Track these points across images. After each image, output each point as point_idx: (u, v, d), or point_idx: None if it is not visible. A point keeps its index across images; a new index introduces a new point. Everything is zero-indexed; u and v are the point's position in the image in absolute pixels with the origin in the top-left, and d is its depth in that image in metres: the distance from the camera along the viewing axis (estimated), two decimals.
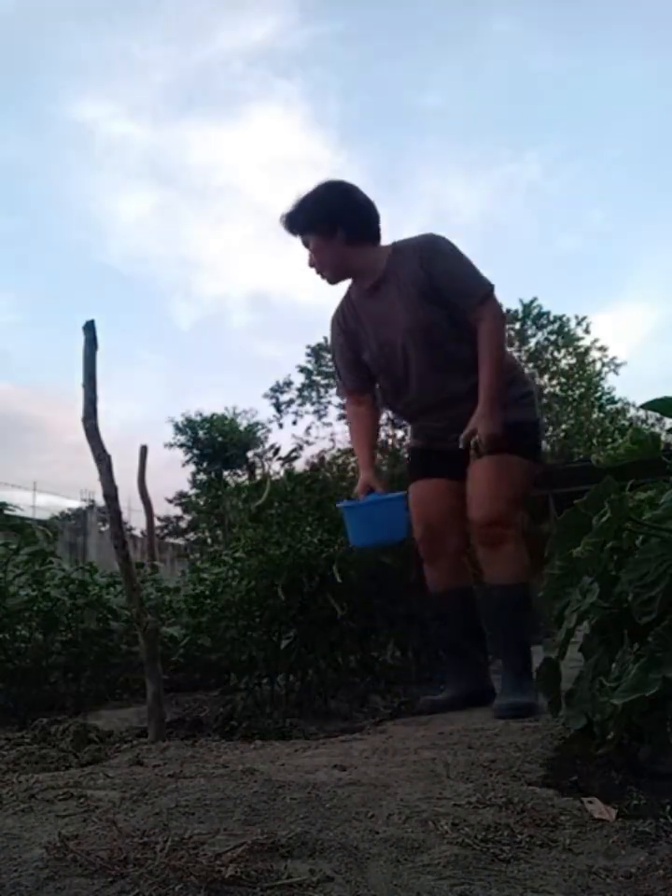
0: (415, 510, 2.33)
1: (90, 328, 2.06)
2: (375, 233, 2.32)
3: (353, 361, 2.39)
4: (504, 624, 2.20)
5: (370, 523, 2.21)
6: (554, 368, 21.28)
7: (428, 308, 2.20)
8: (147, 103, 36.95)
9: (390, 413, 2.59)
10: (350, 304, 2.38)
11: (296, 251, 2.37)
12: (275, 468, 4.04)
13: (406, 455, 2.53)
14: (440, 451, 2.34)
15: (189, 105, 37.01)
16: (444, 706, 2.18)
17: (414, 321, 2.22)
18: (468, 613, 2.31)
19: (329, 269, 2.33)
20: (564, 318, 21.25)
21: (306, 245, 2.32)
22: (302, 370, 22.78)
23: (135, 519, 15.41)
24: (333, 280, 2.37)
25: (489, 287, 2.19)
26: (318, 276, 2.36)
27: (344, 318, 2.40)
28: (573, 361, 21.47)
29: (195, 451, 23.51)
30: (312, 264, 2.34)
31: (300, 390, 22.96)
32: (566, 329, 21.26)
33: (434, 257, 2.20)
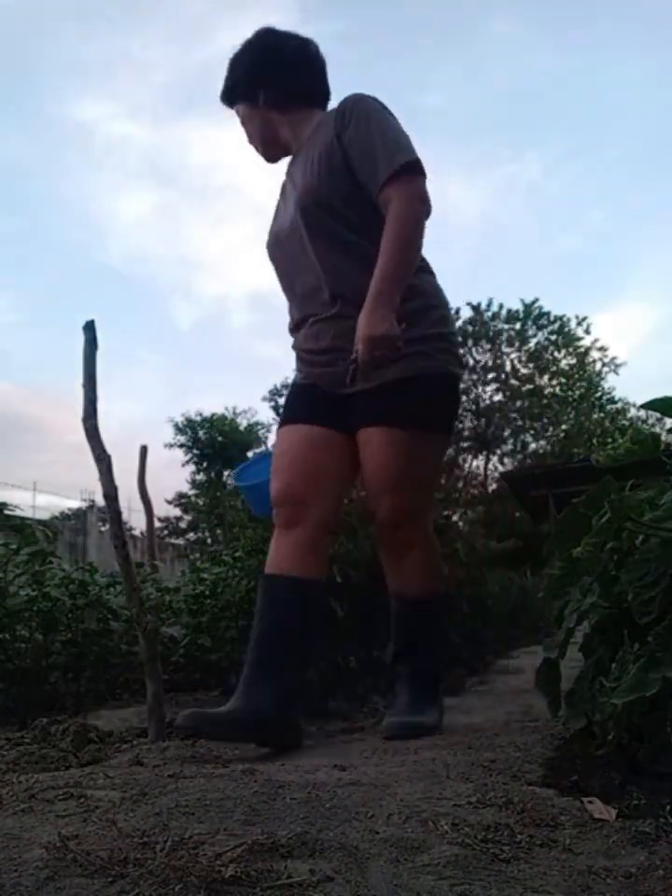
0: (276, 463, 1.80)
1: (90, 327, 2.06)
2: (308, 96, 1.85)
3: None
4: (408, 640, 1.86)
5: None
6: (554, 368, 21.27)
7: (332, 181, 1.70)
8: (147, 103, 37.00)
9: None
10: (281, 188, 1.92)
11: None
12: None
13: (289, 390, 1.98)
14: (322, 390, 1.79)
15: (188, 105, 37.08)
16: (212, 723, 1.58)
17: (309, 193, 1.73)
18: (300, 616, 1.69)
19: (257, 142, 1.90)
20: (564, 318, 21.26)
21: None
22: None
23: (135, 519, 15.44)
24: (267, 156, 1.92)
25: (404, 162, 1.63)
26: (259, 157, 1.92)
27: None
28: (573, 361, 21.48)
29: (195, 451, 23.52)
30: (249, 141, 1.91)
31: None
32: (566, 330, 21.27)
33: (351, 120, 1.70)
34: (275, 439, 1.87)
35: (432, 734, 1.66)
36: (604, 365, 21.66)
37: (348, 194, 1.70)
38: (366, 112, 1.70)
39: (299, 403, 1.85)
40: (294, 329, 1.85)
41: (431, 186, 1.67)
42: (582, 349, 21.51)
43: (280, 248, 1.83)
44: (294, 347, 1.87)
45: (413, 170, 1.64)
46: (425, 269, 1.79)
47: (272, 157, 1.91)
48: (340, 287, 1.71)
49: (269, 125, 1.85)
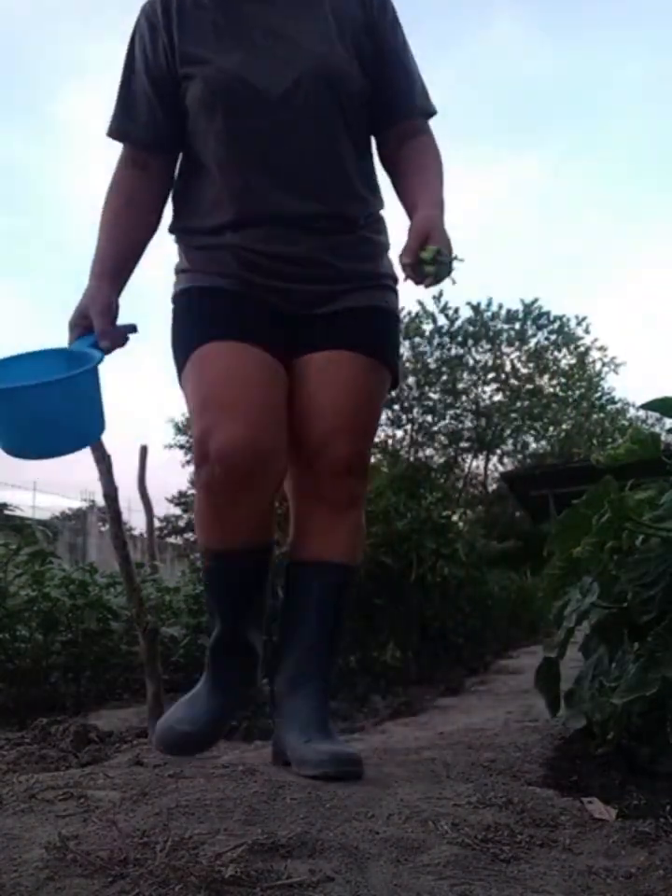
0: (218, 395, 1.33)
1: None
2: None
3: (159, 95, 1.42)
4: (322, 620, 1.41)
5: (44, 409, 1.18)
6: (554, 368, 21.27)
7: (354, 68, 1.42)
8: None
9: (193, 223, 1.49)
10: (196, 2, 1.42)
11: None
12: None
13: (185, 299, 1.47)
14: (271, 306, 1.42)
15: None
16: (195, 740, 1.42)
17: (329, 69, 1.40)
18: (264, 586, 1.46)
19: None
20: (564, 318, 21.25)
21: None
22: None
23: (135, 519, 15.43)
24: None
25: (434, 112, 1.52)
26: None
27: (171, 18, 1.41)
28: (573, 361, 21.45)
29: None
30: None
31: None
32: (566, 330, 21.25)
33: (389, 22, 1.48)
34: (203, 362, 1.37)
35: (361, 770, 1.23)
36: (604, 365, 21.66)
37: (360, 93, 1.44)
38: (399, 24, 1.50)
39: (242, 317, 1.39)
40: (239, 222, 1.40)
41: None
42: (582, 349, 21.51)
43: (265, 112, 1.37)
44: (229, 244, 1.41)
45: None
46: None
47: None
48: (328, 191, 1.42)
49: None
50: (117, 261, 1.42)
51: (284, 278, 1.42)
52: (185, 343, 1.43)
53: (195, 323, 1.43)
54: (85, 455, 1.96)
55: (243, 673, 1.46)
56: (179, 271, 1.51)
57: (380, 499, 3.25)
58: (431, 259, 1.28)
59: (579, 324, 21.45)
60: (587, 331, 21.57)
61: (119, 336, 1.34)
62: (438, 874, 0.81)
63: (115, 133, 1.47)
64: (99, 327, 1.32)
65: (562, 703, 1.41)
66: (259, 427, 1.32)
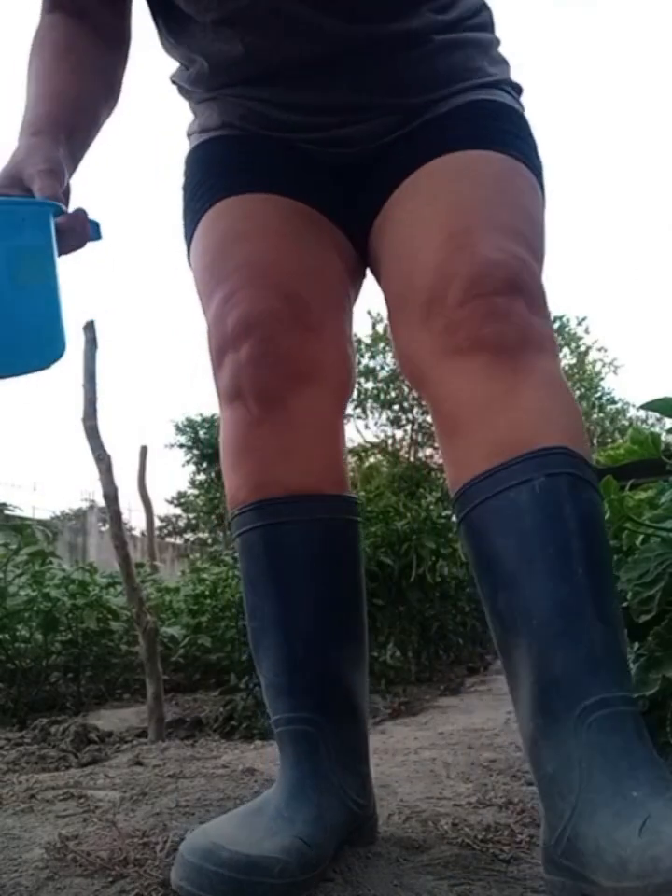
0: (232, 257, 0.92)
1: (90, 327, 2.08)
2: None
3: None
4: (565, 555, 0.72)
5: None
6: None
7: None
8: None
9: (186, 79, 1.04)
10: None
11: None
12: None
13: (187, 165, 1.08)
14: (307, 153, 0.99)
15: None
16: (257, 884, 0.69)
17: None
18: (349, 580, 0.90)
19: None
20: (564, 318, 21.25)
21: None
22: None
23: (135, 519, 15.45)
24: None
25: None
26: None
27: None
28: (573, 361, 21.46)
29: (195, 451, 23.55)
30: None
31: None
32: (566, 330, 21.26)
33: None
34: (205, 225, 0.98)
35: None
36: (604, 365, 21.67)
37: None
38: None
39: (267, 164, 0.99)
40: (260, 65, 0.95)
41: None
42: (582, 349, 21.51)
43: None
44: (239, 95, 1.00)
45: None
46: None
47: None
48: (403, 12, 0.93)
49: None
50: (58, 119, 0.88)
51: (320, 128, 0.99)
52: (191, 217, 1.01)
53: (199, 186, 1.02)
54: (84, 456, 1.97)
55: (339, 754, 0.84)
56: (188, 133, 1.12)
57: (380, 499, 3.26)
58: None
59: (579, 324, 21.47)
60: (587, 332, 21.60)
61: (79, 222, 0.79)
62: (437, 874, 0.81)
63: None
64: (44, 190, 0.78)
65: None
66: (302, 290, 0.90)
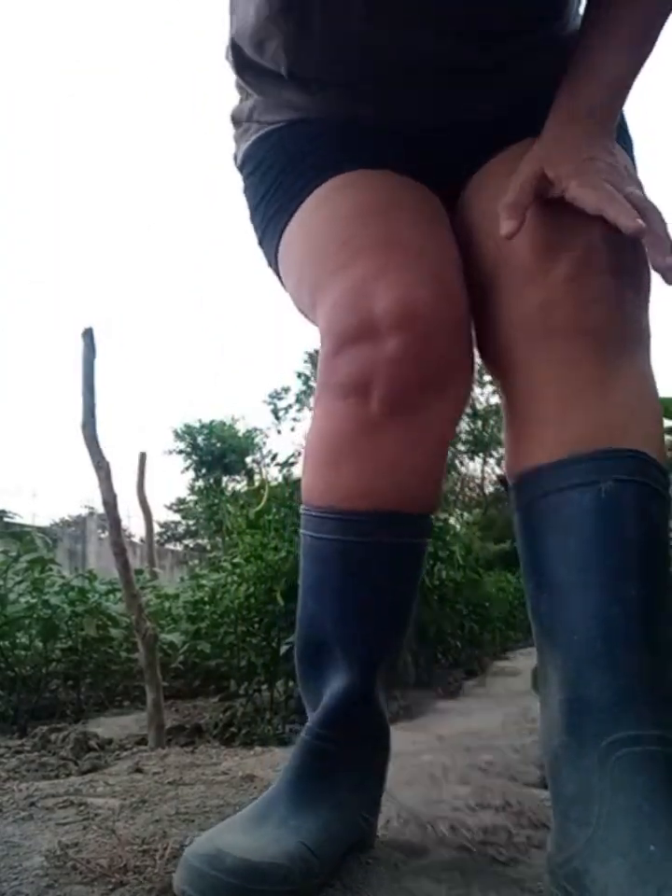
0: (370, 235, 0.78)
1: (88, 334, 2.08)
2: None
3: None
4: (622, 573, 0.67)
5: None
6: None
7: None
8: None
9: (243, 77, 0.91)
10: None
11: None
12: (274, 473, 4.04)
13: (279, 140, 0.93)
14: (407, 135, 0.88)
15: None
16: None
17: None
18: (408, 600, 0.86)
19: None
20: None
21: None
22: (299, 375, 22.82)
23: (135, 526, 15.43)
24: None
25: None
26: None
27: None
28: None
29: (194, 457, 23.52)
30: None
31: (297, 396, 23.00)
32: None
33: None
34: (315, 204, 0.85)
35: None
36: None
37: None
38: None
39: (376, 141, 0.88)
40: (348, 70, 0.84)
41: None
42: None
43: None
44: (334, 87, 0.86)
45: None
46: None
47: None
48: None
49: None
50: None
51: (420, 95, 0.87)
52: (285, 197, 0.88)
53: (296, 163, 0.88)
54: (84, 463, 1.97)
55: (360, 777, 0.84)
56: (242, 119, 0.98)
57: None
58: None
59: None
60: None
61: None
62: (436, 877, 0.81)
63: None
64: None
65: None
66: (454, 279, 0.79)
